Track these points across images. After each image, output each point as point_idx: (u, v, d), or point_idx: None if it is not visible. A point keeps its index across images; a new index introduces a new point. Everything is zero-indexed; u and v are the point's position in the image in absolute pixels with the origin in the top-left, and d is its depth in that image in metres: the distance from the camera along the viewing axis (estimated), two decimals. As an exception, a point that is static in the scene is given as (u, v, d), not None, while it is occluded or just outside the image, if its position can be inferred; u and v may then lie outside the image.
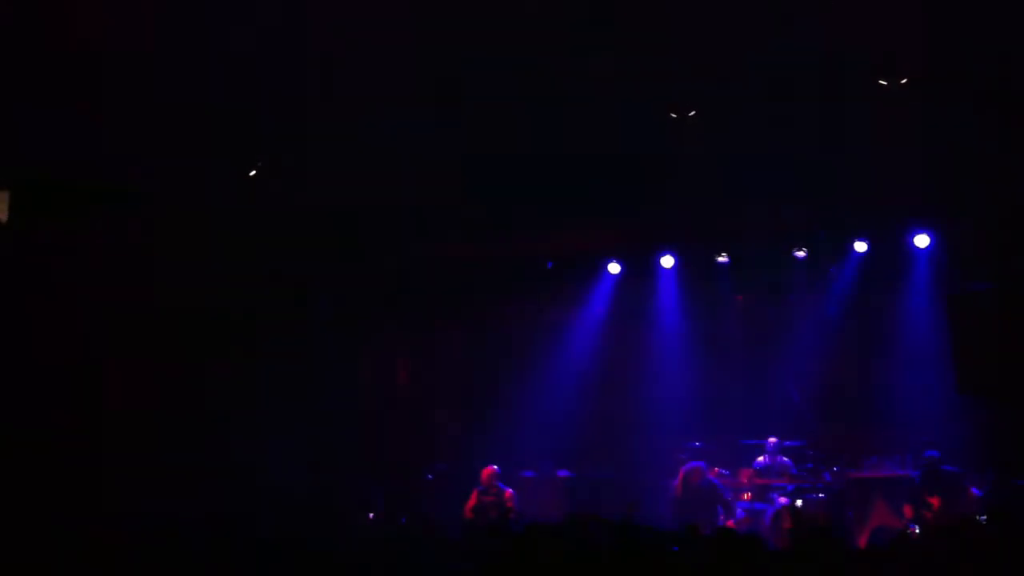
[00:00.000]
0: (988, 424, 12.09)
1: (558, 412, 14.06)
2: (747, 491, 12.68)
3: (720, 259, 13.91)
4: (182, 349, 12.39)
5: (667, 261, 14.06)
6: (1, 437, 10.41)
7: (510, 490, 12.44)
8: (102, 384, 11.92)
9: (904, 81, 11.28)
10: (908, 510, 11.68)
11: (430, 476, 13.50)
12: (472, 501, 12.30)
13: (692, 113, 11.90)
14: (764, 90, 11.28)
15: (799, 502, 11.96)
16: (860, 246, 13.16)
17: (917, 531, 10.33)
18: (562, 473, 13.80)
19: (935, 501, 11.49)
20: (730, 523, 12.04)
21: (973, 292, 12.01)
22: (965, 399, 12.05)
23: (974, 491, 11.57)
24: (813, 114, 11.35)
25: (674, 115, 12.04)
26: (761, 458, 12.93)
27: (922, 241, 12.74)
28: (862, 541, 11.27)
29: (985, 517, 8.61)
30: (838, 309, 13.56)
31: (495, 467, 12.55)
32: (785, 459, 12.79)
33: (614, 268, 14.40)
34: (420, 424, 14.38)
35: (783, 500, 12.29)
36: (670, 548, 6.97)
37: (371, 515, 12.26)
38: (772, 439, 12.92)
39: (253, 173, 12.23)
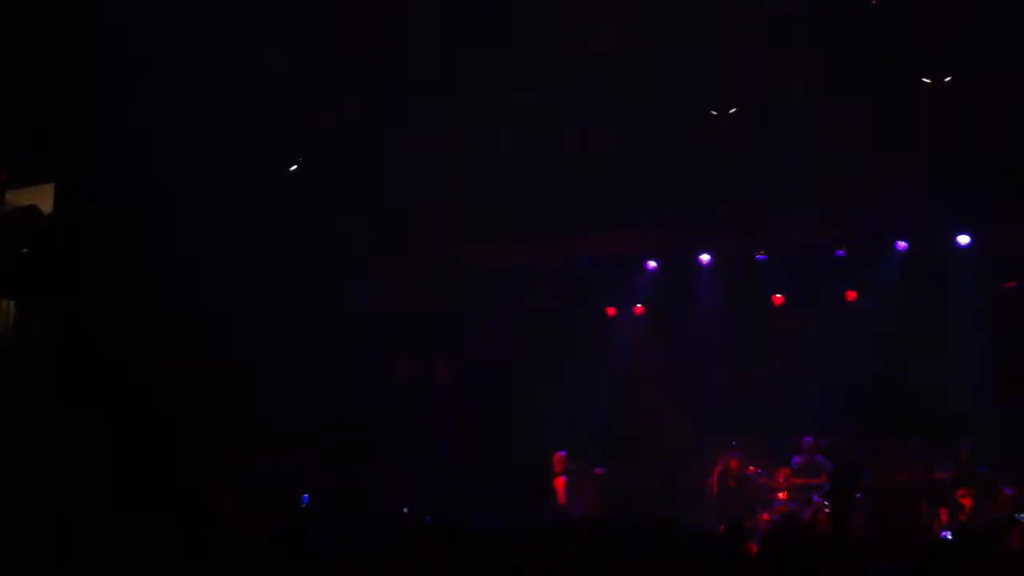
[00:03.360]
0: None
1: (595, 409, 14.05)
2: (783, 490, 12.63)
3: (759, 256, 13.82)
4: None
5: (704, 258, 13.98)
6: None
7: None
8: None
9: (947, 79, 11.21)
10: (944, 514, 11.57)
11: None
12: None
13: (732, 111, 11.91)
14: (808, 90, 11.28)
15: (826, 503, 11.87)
16: (901, 244, 13.03)
17: (949, 536, 10.21)
18: (598, 470, 13.80)
19: (967, 502, 11.39)
20: (765, 516, 12.02)
21: (1017, 291, 11.88)
22: (1008, 400, 11.95)
23: (1007, 491, 11.43)
24: (855, 113, 11.32)
25: (714, 112, 12.05)
26: (798, 457, 12.86)
27: (964, 240, 12.59)
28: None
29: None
30: (879, 308, 13.41)
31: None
32: (822, 458, 12.71)
33: (651, 265, 14.35)
34: (456, 421, 14.40)
35: (817, 500, 12.22)
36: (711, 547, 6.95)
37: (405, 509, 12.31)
38: (808, 438, 12.84)
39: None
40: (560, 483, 12.80)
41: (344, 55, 11.45)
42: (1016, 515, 8.92)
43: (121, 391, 10.57)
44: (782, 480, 12.75)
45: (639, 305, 14.80)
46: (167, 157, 10.75)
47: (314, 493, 12.03)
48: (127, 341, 10.78)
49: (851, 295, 13.65)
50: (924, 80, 11.25)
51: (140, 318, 10.99)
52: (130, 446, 10.18)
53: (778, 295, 14.07)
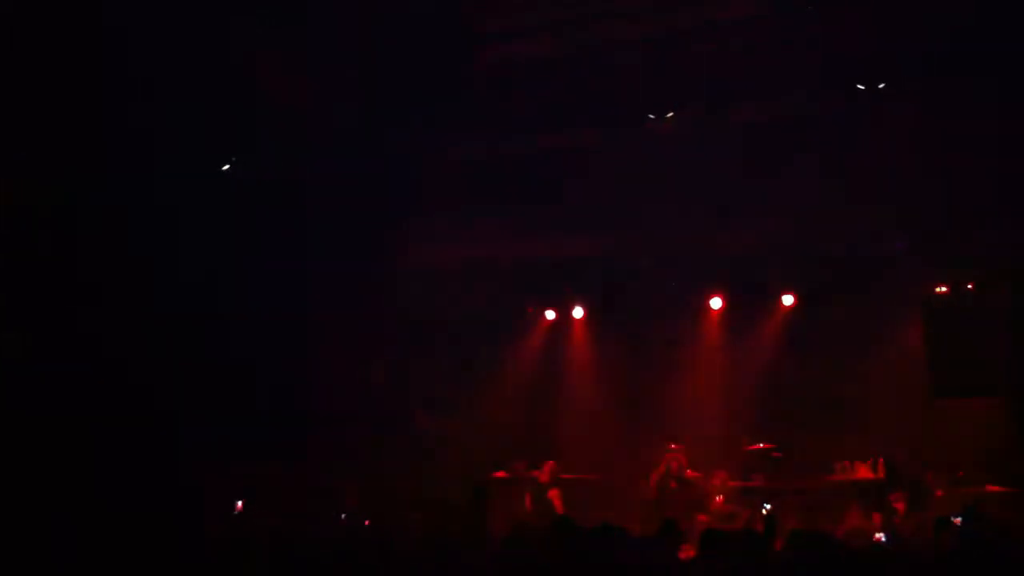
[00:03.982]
0: (961, 427, 12.15)
1: (533, 413, 14.03)
2: (721, 493, 12.70)
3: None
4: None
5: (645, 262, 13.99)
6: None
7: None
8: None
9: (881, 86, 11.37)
10: (877, 517, 11.71)
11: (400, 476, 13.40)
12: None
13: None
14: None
15: (767, 506, 11.97)
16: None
17: (882, 538, 10.33)
18: (536, 473, 13.75)
19: (900, 506, 11.54)
20: (703, 517, 12.07)
21: (946, 295, 12.08)
22: (939, 402, 12.15)
23: (939, 493, 11.60)
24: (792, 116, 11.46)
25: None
26: (733, 461, 12.96)
27: (898, 245, 12.75)
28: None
29: (960, 519, 8.63)
30: (813, 312, 13.58)
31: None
32: (758, 463, 12.80)
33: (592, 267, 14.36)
34: (395, 424, 14.28)
35: (755, 503, 12.30)
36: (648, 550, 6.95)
37: (343, 515, 12.15)
38: (743, 442, 12.95)
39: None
40: (554, 494, 12.82)
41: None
42: (949, 517, 9.03)
43: (78, 393, 10.44)
44: (719, 483, 12.82)
45: (579, 307, 14.83)
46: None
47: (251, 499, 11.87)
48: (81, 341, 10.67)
49: (786, 299, 13.82)
50: (859, 86, 11.42)
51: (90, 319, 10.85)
52: (84, 450, 10.09)
53: (717, 299, 14.20)
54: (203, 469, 11.24)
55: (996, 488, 11.29)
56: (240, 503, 12.11)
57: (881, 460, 12.15)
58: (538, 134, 12.32)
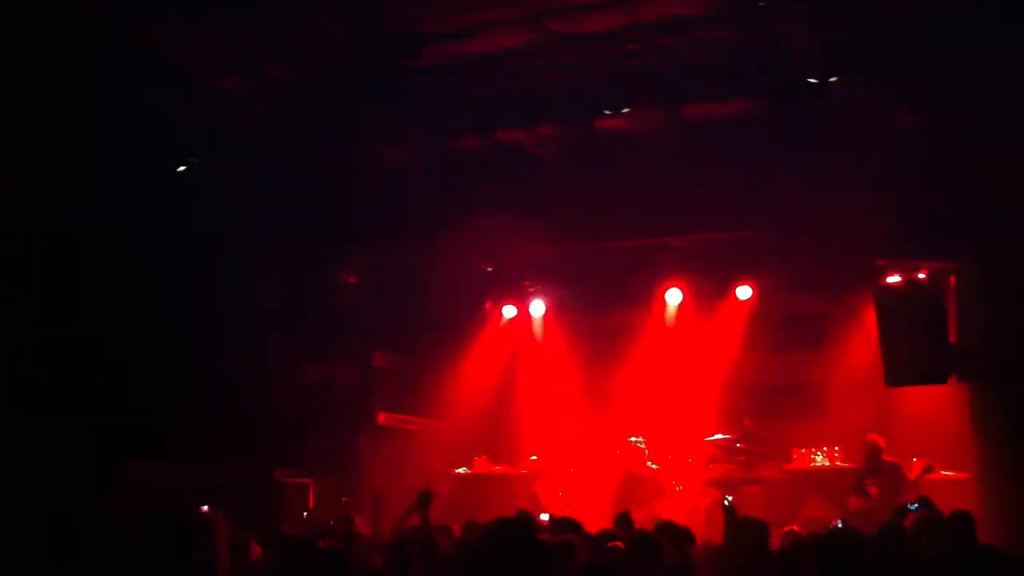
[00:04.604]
0: (915, 415, 12.35)
1: (495, 409, 14.09)
2: (682, 486, 12.83)
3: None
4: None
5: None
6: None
7: None
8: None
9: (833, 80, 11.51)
10: (853, 501, 11.89)
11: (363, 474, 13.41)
12: None
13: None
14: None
15: (729, 497, 12.10)
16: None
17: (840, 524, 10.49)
18: (496, 469, 13.82)
19: (874, 490, 11.72)
20: (660, 506, 12.21)
21: (897, 285, 12.25)
22: (893, 390, 12.33)
23: (911, 477, 11.79)
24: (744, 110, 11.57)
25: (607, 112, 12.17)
26: (696, 451, 13.09)
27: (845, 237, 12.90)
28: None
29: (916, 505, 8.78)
30: (768, 304, 13.75)
31: None
32: (718, 453, 12.94)
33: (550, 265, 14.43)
34: (357, 423, 14.27)
35: (716, 493, 12.43)
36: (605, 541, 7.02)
37: (305, 513, 12.15)
38: (706, 433, 13.09)
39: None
40: (539, 487, 12.88)
41: None
42: (906, 505, 9.17)
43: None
44: (682, 475, 12.95)
45: (539, 303, 14.90)
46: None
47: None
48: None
49: (744, 292, 13.98)
50: (810, 80, 11.55)
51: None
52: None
53: (676, 292, 14.34)
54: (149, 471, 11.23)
55: (947, 474, 11.52)
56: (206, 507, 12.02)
57: (866, 444, 12.27)
58: (488, 132, 12.36)
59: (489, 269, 14.50)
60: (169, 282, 11.93)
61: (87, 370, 11.12)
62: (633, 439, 13.29)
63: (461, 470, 13.82)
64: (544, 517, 10.40)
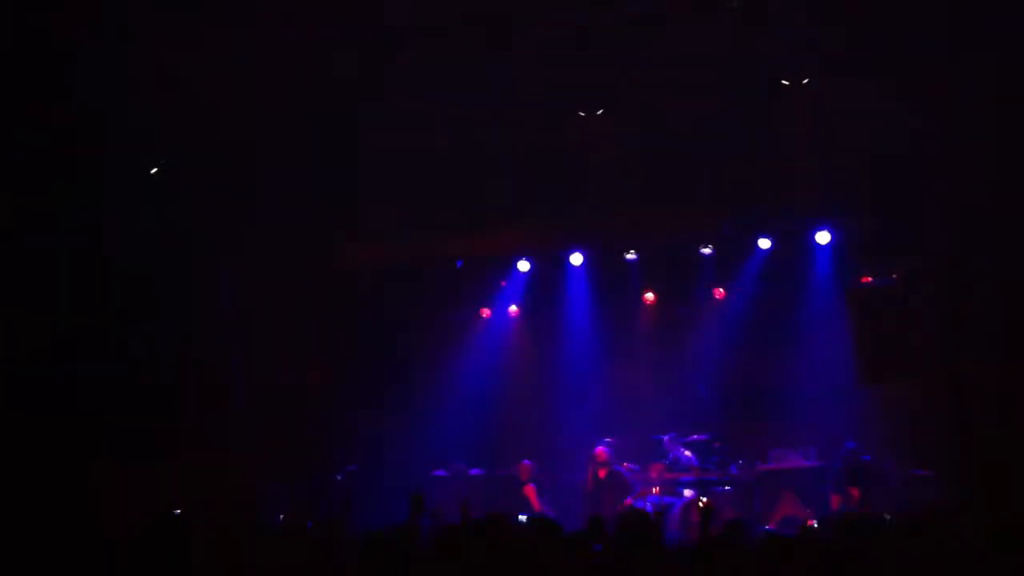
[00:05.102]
0: (888, 415, 12.43)
1: (470, 411, 14.05)
2: (656, 485, 12.84)
3: (628, 256, 14.02)
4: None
5: (576, 258, 14.12)
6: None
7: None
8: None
9: (805, 81, 11.60)
10: (835, 500, 11.95)
11: (339, 477, 13.33)
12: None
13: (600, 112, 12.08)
14: (671, 88, 11.51)
15: (703, 498, 12.14)
16: (764, 243, 13.41)
17: (815, 524, 10.55)
18: (474, 472, 13.80)
19: (855, 492, 11.79)
20: (629, 501, 12.24)
21: (871, 286, 12.35)
22: (866, 390, 12.42)
23: (891, 480, 11.87)
24: (720, 112, 11.61)
25: (583, 113, 12.21)
26: (669, 453, 13.11)
27: (823, 238, 13.02)
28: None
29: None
30: (743, 304, 13.81)
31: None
32: (688, 453, 12.97)
33: (524, 266, 14.41)
34: (331, 425, 14.19)
35: (689, 494, 12.46)
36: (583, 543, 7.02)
37: (281, 516, 12.06)
38: (668, 435, 13.11)
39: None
40: (530, 490, 12.86)
41: None
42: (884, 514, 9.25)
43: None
44: (655, 476, 12.96)
45: (513, 306, 14.89)
46: None
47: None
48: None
49: (719, 293, 14.04)
50: (783, 82, 11.63)
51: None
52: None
53: (649, 294, 14.37)
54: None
55: (919, 472, 11.61)
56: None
57: (817, 450, 12.34)
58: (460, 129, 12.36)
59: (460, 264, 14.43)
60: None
61: (58, 371, 11.04)
62: (608, 440, 13.28)
63: (441, 473, 13.77)
64: (522, 518, 10.43)
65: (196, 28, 10.74)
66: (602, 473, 12.71)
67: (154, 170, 12.28)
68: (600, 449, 12.83)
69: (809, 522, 11.01)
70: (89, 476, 11.13)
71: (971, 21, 10.33)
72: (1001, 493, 9.98)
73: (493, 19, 10.70)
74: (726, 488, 12.44)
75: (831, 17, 10.68)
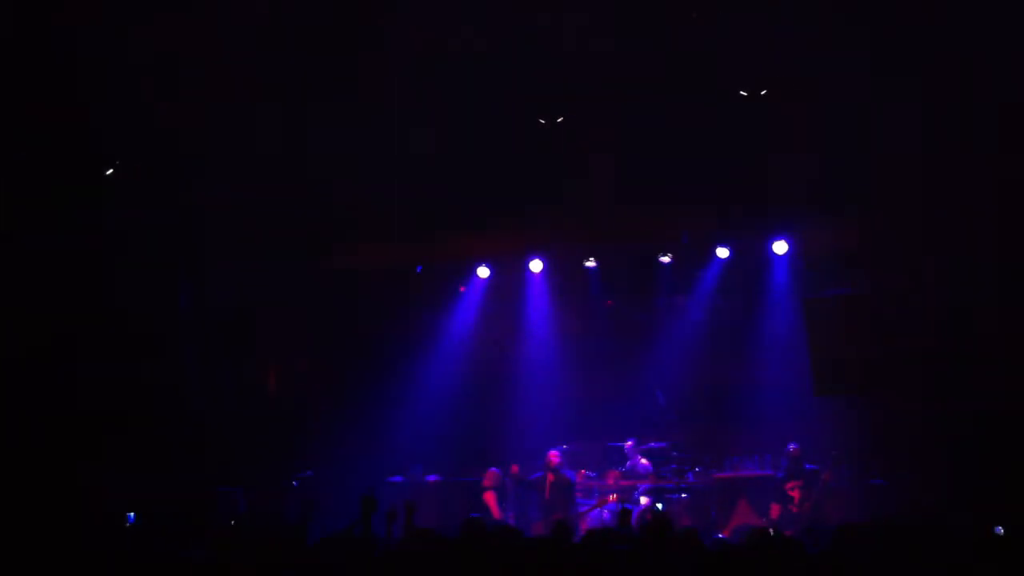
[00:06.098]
0: (842, 424, 12.55)
1: (427, 417, 14.01)
2: (613, 492, 12.86)
3: (588, 264, 14.06)
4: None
5: (536, 265, 14.13)
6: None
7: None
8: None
9: (764, 92, 11.69)
10: (775, 509, 12.03)
11: (295, 483, 13.24)
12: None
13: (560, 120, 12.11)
14: (633, 95, 11.56)
15: (659, 505, 12.18)
16: (722, 252, 13.50)
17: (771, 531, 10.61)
18: (431, 478, 13.74)
19: (795, 494, 11.87)
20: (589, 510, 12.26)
21: (827, 297, 12.48)
22: (821, 400, 12.54)
23: (831, 484, 11.97)
24: (681, 121, 11.67)
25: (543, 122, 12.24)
26: (626, 460, 13.15)
27: (780, 248, 13.12)
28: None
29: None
30: (701, 313, 13.89)
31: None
32: (645, 461, 13.01)
33: (483, 272, 14.40)
34: (289, 430, 14.09)
35: (646, 501, 12.49)
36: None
37: (232, 521, 11.95)
38: (629, 442, 13.15)
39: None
40: (490, 497, 12.81)
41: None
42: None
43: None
44: (612, 483, 12.98)
45: (472, 311, 14.87)
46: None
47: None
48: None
49: (678, 302, 14.12)
50: (741, 92, 11.71)
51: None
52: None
53: (609, 302, 14.42)
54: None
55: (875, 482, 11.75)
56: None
57: (792, 451, 12.40)
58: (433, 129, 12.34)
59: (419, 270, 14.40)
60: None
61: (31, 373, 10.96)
62: (563, 446, 13.28)
63: (397, 479, 13.70)
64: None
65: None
66: (551, 477, 12.70)
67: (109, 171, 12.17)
68: (552, 452, 12.84)
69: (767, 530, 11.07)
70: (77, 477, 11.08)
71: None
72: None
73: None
74: (682, 495, 12.49)
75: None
